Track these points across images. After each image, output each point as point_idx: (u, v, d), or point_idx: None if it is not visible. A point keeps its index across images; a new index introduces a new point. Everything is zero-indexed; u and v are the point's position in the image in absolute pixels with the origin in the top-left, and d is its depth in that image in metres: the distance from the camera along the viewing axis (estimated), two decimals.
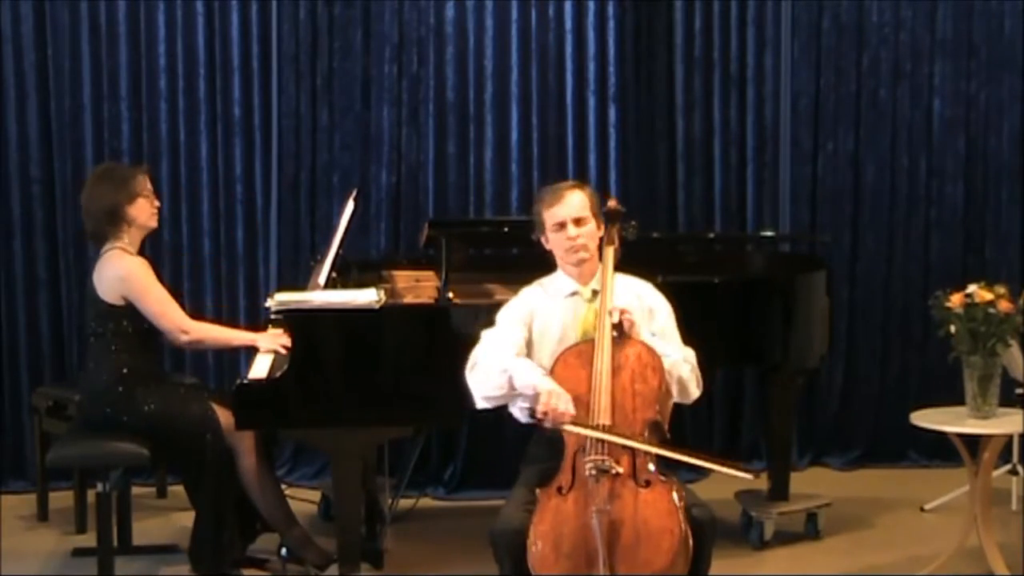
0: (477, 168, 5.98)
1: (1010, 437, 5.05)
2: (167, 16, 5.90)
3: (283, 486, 4.94)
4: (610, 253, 3.80)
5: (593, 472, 3.45)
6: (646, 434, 3.55)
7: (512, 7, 5.91)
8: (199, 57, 5.93)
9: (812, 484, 5.61)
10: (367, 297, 4.47)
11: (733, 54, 6.14)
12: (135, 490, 5.36)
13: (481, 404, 3.73)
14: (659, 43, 6.09)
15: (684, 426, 6.02)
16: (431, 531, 5.38)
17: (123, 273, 4.52)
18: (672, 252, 5.47)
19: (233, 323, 5.53)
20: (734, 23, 6.12)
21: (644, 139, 6.08)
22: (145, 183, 4.65)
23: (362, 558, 4.57)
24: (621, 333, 3.61)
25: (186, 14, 5.90)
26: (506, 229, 5.28)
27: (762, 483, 5.28)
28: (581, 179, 5.81)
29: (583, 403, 3.54)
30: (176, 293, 4.88)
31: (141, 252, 4.67)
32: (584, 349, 3.63)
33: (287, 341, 4.44)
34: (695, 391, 3.76)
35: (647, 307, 3.81)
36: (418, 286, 5.13)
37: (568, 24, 5.93)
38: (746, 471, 3.56)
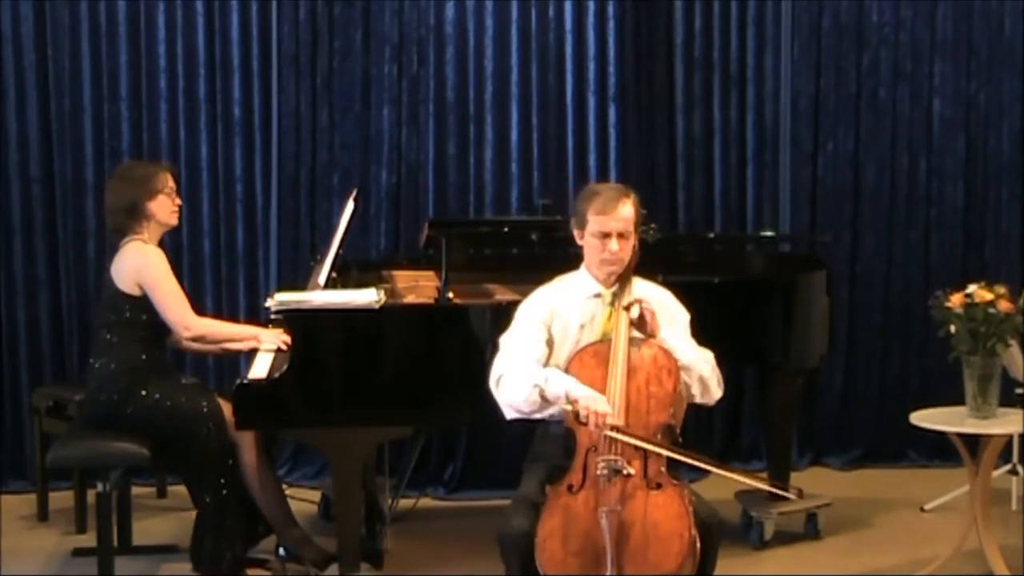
0: (477, 168, 5.98)
1: (1010, 437, 5.05)
2: (167, 16, 5.90)
3: (283, 486, 4.93)
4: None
5: (605, 472, 3.45)
6: (658, 437, 3.56)
7: (512, 7, 5.91)
8: (199, 57, 5.93)
9: (812, 484, 5.61)
10: (367, 297, 4.47)
11: (733, 54, 6.15)
12: (135, 490, 5.36)
13: (511, 415, 3.71)
14: (659, 43, 6.09)
15: (685, 426, 6.00)
16: (431, 531, 5.38)
17: (140, 260, 4.55)
18: (672, 252, 5.46)
19: (233, 322, 5.53)
20: (734, 23, 6.13)
21: (644, 139, 6.08)
22: (167, 180, 4.68)
23: (362, 558, 4.57)
24: (642, 328, 3.61)
25: (186, 14, 5.91)
26: (506, 229, 5.28)
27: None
28: (581, 179, 5.84)
29: None
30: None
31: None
32: (601, 349, 3.63)
33: (288, 338, 4.44)
34: (717, 391, 3.76)
35: (668, 314, 3.80)
36: (418, 286, 5.12)
37: (568, 24, 5.93)
38: (776, 486, 3.55)
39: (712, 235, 6.05)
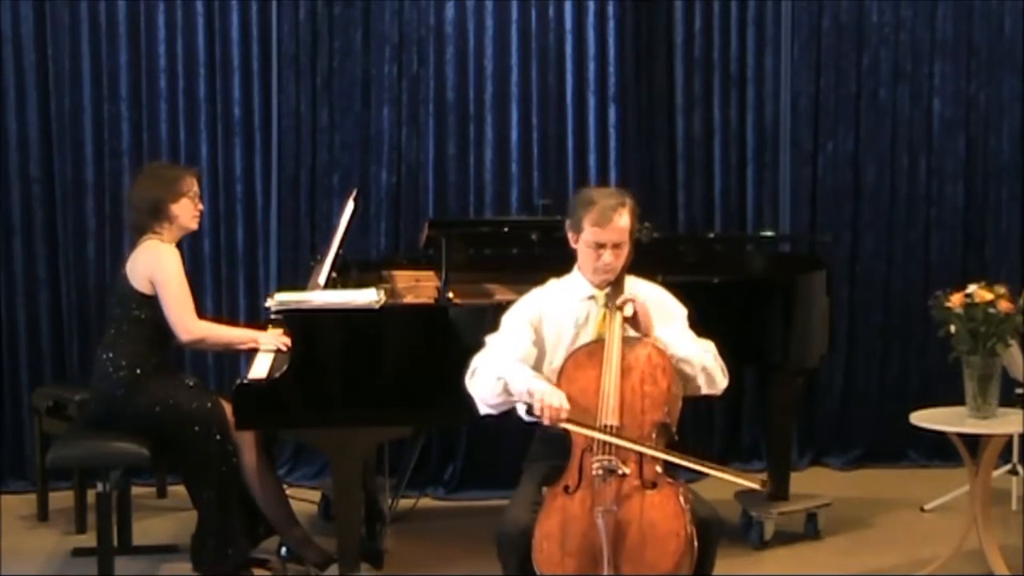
0: (477, 168, 5.98)
1: (1010, 437, 5.05)
2: (167, 16, 5.90)
3: (283, 486, 4.93)
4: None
5: (600, 472, 3.45)
6: (654, 436, 3.55)
7: (512, 7, 5.91)
8: (199, 57, 5.93)
9: (812, 484, 5.62)
10: (367, 297, 4.47)
11: (733, 54, 6.15)
12: (135, 490, 5.37)
13: (484, 410, 3.71)
14: (659, 43, 6.09)
15: (685, 426, 6.00)
16: (431, 531, 5.38)
17: (153, 259, 4.56)
18: (672, 252, 5.46)
19: (233, 323, 5.52)
20: (734, 23, 6.13)
21: (644, 139, 6.08)
22: (192, 184, 4.69)
23: (362, 558, 4.57)
24: (636, 326, 3.61)
25: (186, 14, 5.91)
26: (506, 229, 5.28)
27: None
28: (581, 179, 5.84)
29: (592, 403, 3.54)
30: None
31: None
32: (595, 349, 3.62)
33: (288, 340, 4.44)
34: (722, 380, 3.75)
35: (665, 310, 3.80)
36: (418, 286, 5.13)
37: (568, 24, 5.93)
38: (753, 479, 3.54)
39: (712, 235, 6.05)
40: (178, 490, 5.21)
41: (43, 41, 5.87)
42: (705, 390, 3.75)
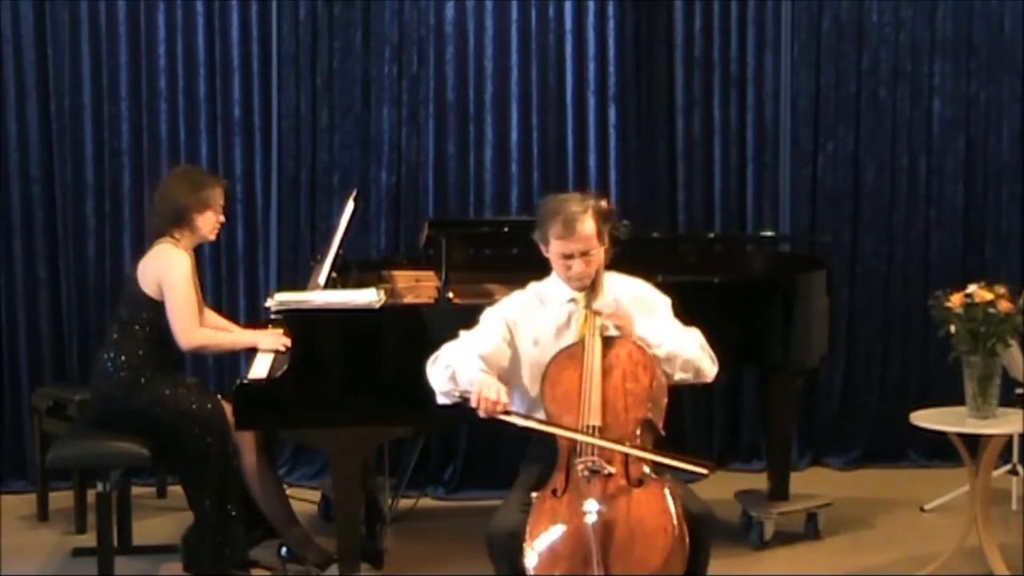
0: (477, 168, 5.98)
1: (1010, 437, 5.05)
2: (167, 16, 5.90)
3: (283, 486, 4.93)
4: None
5: (585, 473, 3.45)
6: (639, 433, 3.55)
7: (512, 7, 5.91)
8: (199, 57, 5.93)
9: (812, 484, 5.61)
10: (367, 297, 4.47)
11: (733, 54, 6.14)
12: (135, 490, 5.37)
13: (441, 400, 3.69)
14: (659, 43, 6.09)
15: (685, 426, 6.02)
16: (431, 531, 5.38)
17: (163, 263, 4.56)
18: (672, 252, 5.46)
19: (233, 323, 5.52)
20: (734, 23, 6.12)
21: (644, 139, 6.08)
22: (219, 197, 4.69)
23: (362, 558, 4.57)
24: (617, 324, 3.61)
25: (186, 14, 5.91)
26: (506, 229, 5.27)
27: (762, 483, 5.29)
28: (581, 179, 5.84)
29: (574, 403, 3.54)
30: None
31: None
32: (576, 351, 3.63)
33: (288, 341, 4.44)
34: (710, 368, 3.72)
35: (646, 306, 3.80)
36: (418, 286, 5.13)
37: (568, 24, 5.93)
38: (701, 465, 3.50)
39: (712, 235, 6.05)
40: (178, 490, 5.19)
41: (43, 41, 5.87)
42: (692, 381, 3.73)
